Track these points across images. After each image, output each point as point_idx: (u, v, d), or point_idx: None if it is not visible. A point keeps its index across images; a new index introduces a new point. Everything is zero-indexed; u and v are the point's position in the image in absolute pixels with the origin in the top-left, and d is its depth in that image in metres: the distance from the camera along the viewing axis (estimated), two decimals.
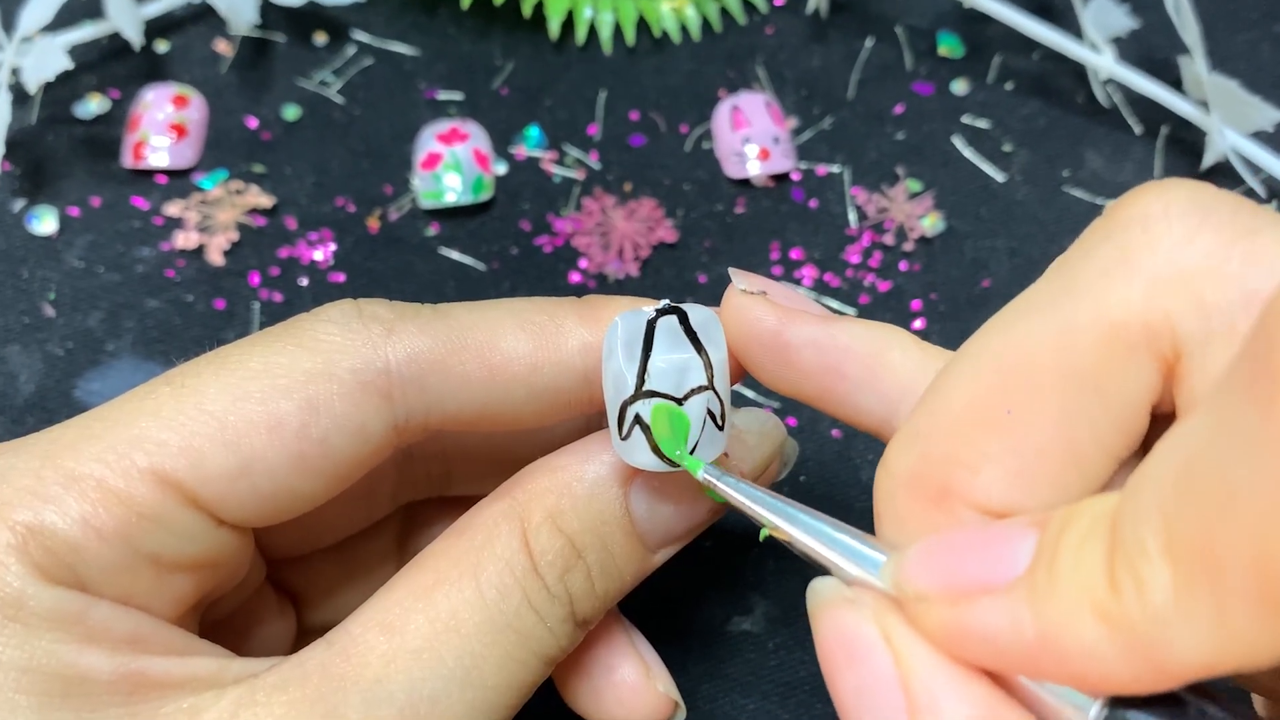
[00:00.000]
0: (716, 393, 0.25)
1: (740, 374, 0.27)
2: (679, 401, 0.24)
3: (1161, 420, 0.20)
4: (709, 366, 0.25)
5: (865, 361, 0.25)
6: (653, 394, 0.24)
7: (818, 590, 0.21)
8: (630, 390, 0.24)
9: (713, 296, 0.44)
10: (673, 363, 0.24)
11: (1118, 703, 0.18)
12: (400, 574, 0.25)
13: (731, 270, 0.27)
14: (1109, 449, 0.20)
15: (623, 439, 0.24)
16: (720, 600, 0.37)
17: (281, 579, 0.31)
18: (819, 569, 0.22)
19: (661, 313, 0.25)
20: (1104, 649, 0.17)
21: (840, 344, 0.25)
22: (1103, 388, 0.20)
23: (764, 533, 0.23)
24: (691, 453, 0.24)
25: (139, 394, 0.25)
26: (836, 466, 0.39)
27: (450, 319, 0.26)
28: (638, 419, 0.24)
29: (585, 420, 0.30)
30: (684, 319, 0.25)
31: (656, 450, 0.24)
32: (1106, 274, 0.20)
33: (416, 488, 0.32)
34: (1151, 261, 0.20)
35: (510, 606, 0.24)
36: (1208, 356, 0.19)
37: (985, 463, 0.20)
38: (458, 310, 0.26)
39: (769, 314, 0.26)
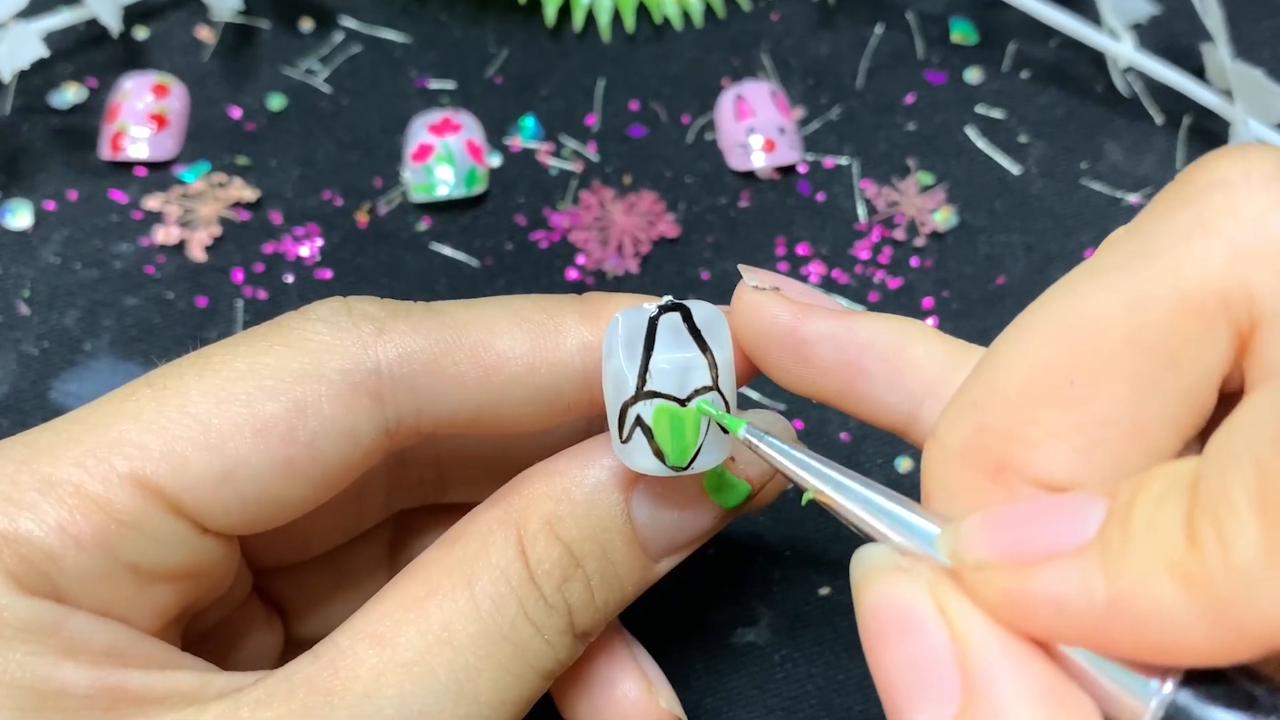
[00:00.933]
0: (721, 394, 0.25)
1: (748, 375, 0.27)
2: (682, 403, 0.24)
3: (1227, 399, 0.20)
4: (713, 366, 0.24)
5: (886, 356, 0.25)
6: (654, 395, 0.24)
7: (865, 557, 0.21)
8: (631, 391, 0.24)
9: (716, 293, 0.44)
10: (675, 362, 0.24)
11: (1187, 682, 0.18)
12: (391, 584, 0.25)
13: (741, 267, 0.27)
14: (1177, 424, 0.20)
15: (623, 442, 0.24)
16: (724, 611, 0.37)
17: (268, 590, 0.31)
18: (864, 538, 0.21)
19: (664, 310, 0.25)
20: (1181, 611, 0.16)
21: (860, 339, 0.25)
22: (1175, 359, 0.20)
23: (807, 496, 0.22)
24: (695, 457, 0.24)
25: (118, 396, 0.24)
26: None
27: (444, 317, 0.26)
28: (639, 421, 0.24)
29: (585, 424, 0.29)
30: (687, 316, 0.25)
31: (658, 454, 0.24)
32: (1184, 239, 0.20)
33: (409, 495, 0.32)
34: (1233, 229, 0.20)
35: (506, 618, 0.24)
36: None
37: (1046, 437, 0.20)
38: (451, 308, 0.26)
39: (783, 310, 0.25)
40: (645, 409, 0.24)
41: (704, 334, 0.25)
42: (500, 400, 0.26)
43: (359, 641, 0.23)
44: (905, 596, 0.20)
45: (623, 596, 0.27)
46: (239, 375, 0.24)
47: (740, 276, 0.26)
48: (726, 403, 0.25)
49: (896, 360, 0.25)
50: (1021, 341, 0.21)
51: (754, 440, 0.24)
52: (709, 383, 0.24)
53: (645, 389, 0.24)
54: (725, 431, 0.25)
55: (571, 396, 0.26)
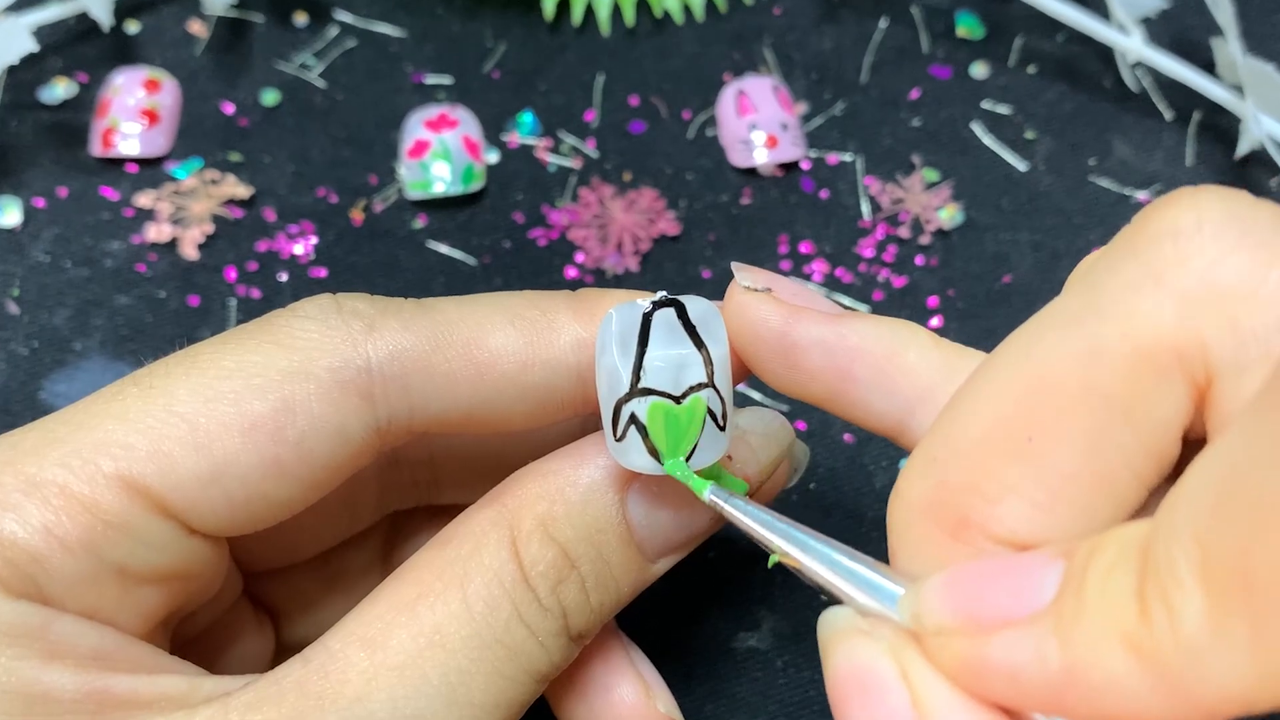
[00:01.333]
0: (717, 390, 0.24)
1: (744, 373, 0.27)
2: (677, 400, 0.24)
3: (1193, 446, 0.20)
4: (709, 363, 0.24)
5: (878, 362, 0.25)
6: (649, 392, 0.24)
7: (830, 621, 0.21)
8: (625, 388, 0.24)
9: (717, 292, 0.44)
10: (670, 359, 0.24)
11: None
12: (382, 586, 0.25)
13: (734, 265, 0.27)
14: (1139, 476, 0.20)
15: (617, 440, 0.24)
16: (725, 615, 0.37)
17: (259, 593, 0.31)
18: (830, 599, 0.22)
19: (658, 305, 0.24)
20: (1134, 682, 0.17)
21: (850, 344, 0.25)
22: (1131, 412, 0.20)
23: (773, 559, 0.23)
24: (691, 455, 0.24)
25: (105, 396, 0.24)
26: (849, 473, 0.39)
27: (435, 314, 0.26)
28: (633, 419, 0.24)
29: (580, 423, 0.29)
30: (682, 312, 0.25)
31: (653, 452, 0.24)
32: (1135, 291, 0.20)
33: (402, 496, 0.32)
34: (1183, 280, 0.20)
35: (499, 620, 0.24)
36: (1241, 382, 0.19)
37: (1006, 492, 0.20)
38: (443, 305, 0.26)
39: (774, 312, 0.25)
40: (639, 406, 0.24)
41: (699, 330, 0.24)
42: (493, 398, 0.26)
43: (350, 645, 0.23)
44: (868, 660, 0.20)
45: (618, 598, 0.27)
46: (227, 374, 0.24)
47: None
48: (722, 399, 0.25)
49: (888, 366, 0.25)
50: (979, 396, 0.21)
51: (719, 502, 0.24)
52: (704, 379, 0.24)
53: (639, 386, 0.24)
54: (721, 428, 0.25)
55: (566, 394, 0.26)
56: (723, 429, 0.25)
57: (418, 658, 0.23)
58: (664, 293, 0.25)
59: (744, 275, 0.26)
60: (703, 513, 0.27)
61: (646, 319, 0.24)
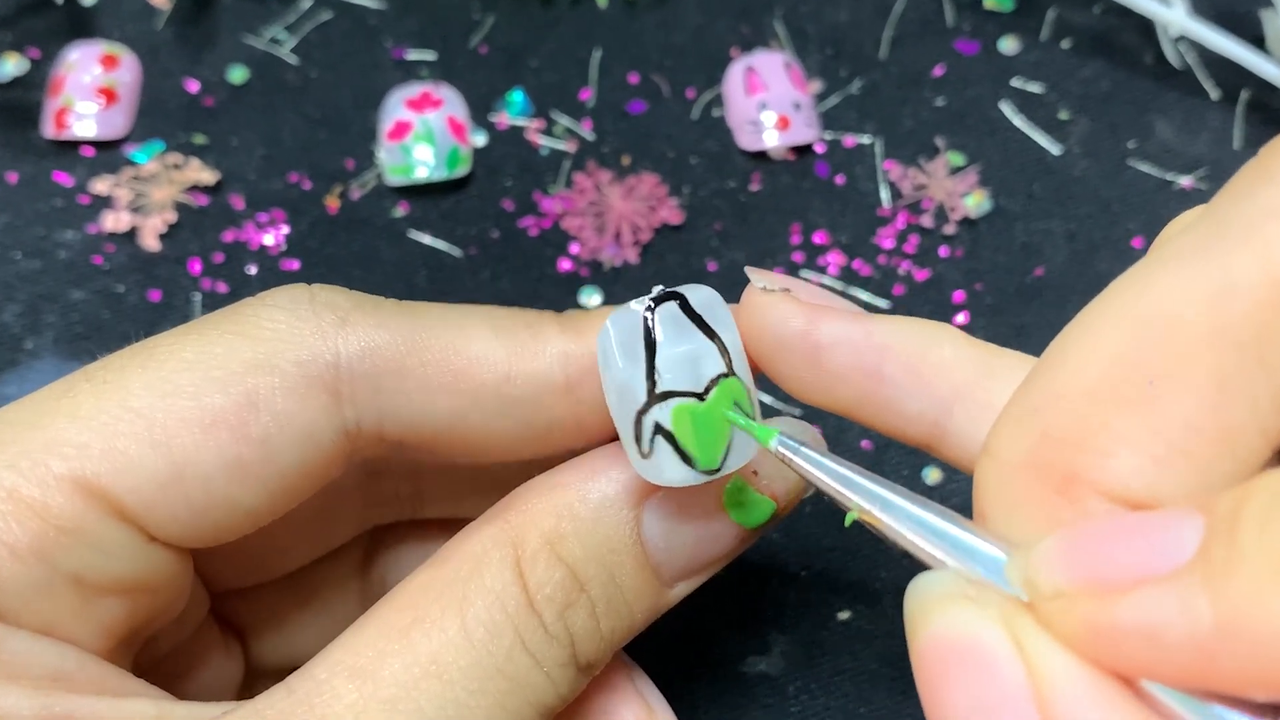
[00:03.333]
0: (739, 379, 0.24)
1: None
2: (700, 397, 0.24)
3: None
4: (724, 351, 0.24)
5: (908, 361, 0.25)
6: (669, 395, 0.24)
7: (926, 586, 0.20)
8: (642, 397, 0.24)
9: (724, 285, 0.44)
10: (683, 354, 0.24)
11: None
12: (373, 610, 0.25)
13: (749, 269, 0.27)
14: (1266, 430, 0.19)
15: (644, 456, 0.24)
16: (734, 638, 0.37)
17: (227, 613, 0.31)
18: (917, 565, 0.21)
19: (657, 301, 0.24)
20: None
21: (878, 342, 0.25)
22: (1265, 355, 0.19)
23: (850, 516, 0.22)
24: (726, 455, 0.24)
25: (54, 392, 0.24)
26: (829, 511, 0.39)
27: (413, 314, 0.26)
28: (657, 428, 0.24)
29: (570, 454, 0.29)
30: (684, 303, 0.24)
31: (687, 459, 0.24)
32: (1271, 220, 0.19)
33: (384, 509, 0.32)
34: None
35: (501, 648, 0.24)
36: None
37: (1121, 444, 0.19)
38: (423, 307, 0.26)
39: (795, 313, 0.25)
40: (662, 413, 0.24)
41: (706, 319, 0.24)
42: (471, 411, 0.26)
43: (337, 675, 0.23)
44: (975, 629, 0.19)
45: (631, 625, 0.26)
46: (185, 366, 0.24)
47: (748, 279, 0.26)
48: (747, 390, 0.25)
49: (920, 365, 0.24)
50: (1089, 338, 0.21)
51: (787, 453, 0.23)
52: (724, 369, 0.24)
53: (657, 391, 0.24)
54: (757, 439, 0.24)
55: (554, 416, 0.26)
56: (749, 420, 0.24)
57: (412, 690, 0.23)
58: (660, 286, 0.25)
59: (759, 278, 0.26)
60: (727, 532, 0.27)
61: (648, 319, 0.24)
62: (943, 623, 0.19)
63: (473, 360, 0.25)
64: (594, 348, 0.25)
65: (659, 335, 0.24)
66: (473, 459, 0.27)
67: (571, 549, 0.25)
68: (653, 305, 0.24)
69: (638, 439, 0.24)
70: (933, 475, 0.40)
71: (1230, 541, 0.17)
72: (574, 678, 0.25)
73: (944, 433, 0.24)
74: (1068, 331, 0.21)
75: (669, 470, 0.24)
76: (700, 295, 0.25)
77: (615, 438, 0.25)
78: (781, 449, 0.23)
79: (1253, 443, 0.20)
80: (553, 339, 0.26)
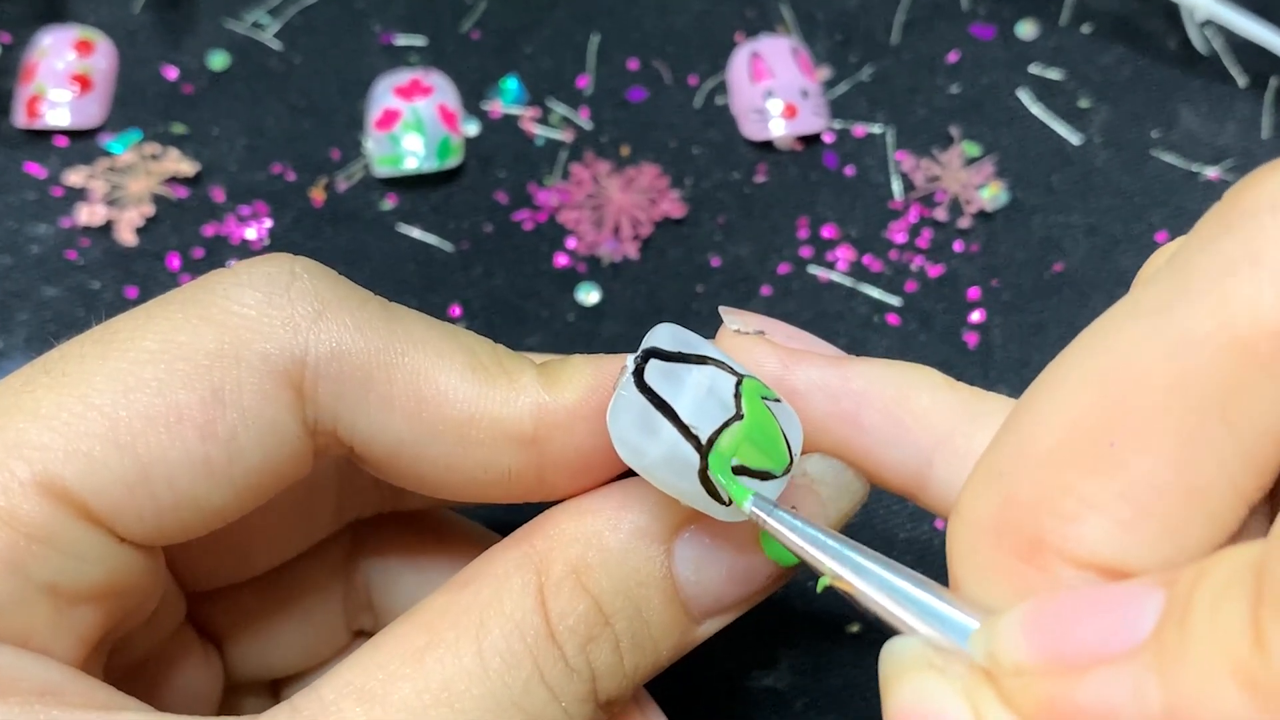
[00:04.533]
0: (751, 375, 0.25)
1: None
2: (739, 416, 0.24)
3: None
4: (720, 363, 0.25)
5: (887, 408, 0.25)
6: (716, 436, 0.24)
7: (897, 652, 0.21)
8: (696, 459, 0.24)
9: (727, 282, 0.44)
10: (698, 392, 0.24)
11: None
12: (387, 630, 0.25)
13: (722, 310, 0.27)
14: (1238, 489, 0.20)
15: (728, 504, 0.24)
16: (740, 652, 0.37)
17: (203, 617, 0.31)
18: (888, 631, 0.22)
19: (639, 366, 0.24)
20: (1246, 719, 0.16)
21: (855, 388, 0.25)
22: (1229, 412, 0.19)
23: (823, 582, 0.23)
24: (790, 449, 0.24)
25: (12, 388, 0.24)
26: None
27: (395, 324, 0.26)
28: (732, 470, 0.24)
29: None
30: (660, 354, 0.24)
31: (766, 475, 0.24)
32: (1230, 273, 0.20)
33: (364, 500, 0.32)
34: None
35: (518, 679, 0.24)
36: None
37: (1085, 508, 0.20)
38: (409, 317, 0.26)
39: (769, 356, 0.26)
40: (721, 457, 0.24)
41: (685, 351, 0.25)
42: (428, 443, 0.25)
43: (346, 697, 0.23)
44: (938, 700, 0.20)
45: (656, 661, 0.26)
46: (150, 357, 0.24)
47: (752, 275, 0.26)
48: (761, 381, 0.25)
49: (898, 411, 0.25)
50: (1052, 398, 0.21)
51: (762, 514, 0.24)
52: (735, 376, 0.24)
53: (704, 442, 0.24)
54: (728, 500, 0.24)
55: (514, 467, 0.26)
56: (779, 400, 0.25)
57: (421, 717, 0.23)
58: (630, 355, 0.25)
59: (733, 319, 0.27)
60: (762, 568, 0.27)
61: (645, 388, 0.24)
62: (909, 691, 0.20)
63: (441, 392, 0.25)
64: (569, 402, 0.25)
65: (664, 393, 0.24)
66: (422, 490, 0.27)
67: (598, 580, 0.25)
68: (637, 371, 0.24)
69: (715, 496, 0.24)
70: None
71: (1182, 623, 0.17)
72: (592, 715, 0.25)
73: (925, 481, 0.25)
74: (1033, 388, 0.22)
75: (758, 499, 0.24)
76: (664, 334, 0.25)
77: (580, 492, 0.26)
78: (756, 510, 0.24)
79: (1225, 500, 0.20)
80: (527, 388, 0.26)
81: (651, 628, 0.26)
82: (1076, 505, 0.20)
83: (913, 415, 0.25)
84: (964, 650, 0.20)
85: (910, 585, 0.21)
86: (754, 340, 0.26)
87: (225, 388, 0.24)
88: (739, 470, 0.24)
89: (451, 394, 0.25)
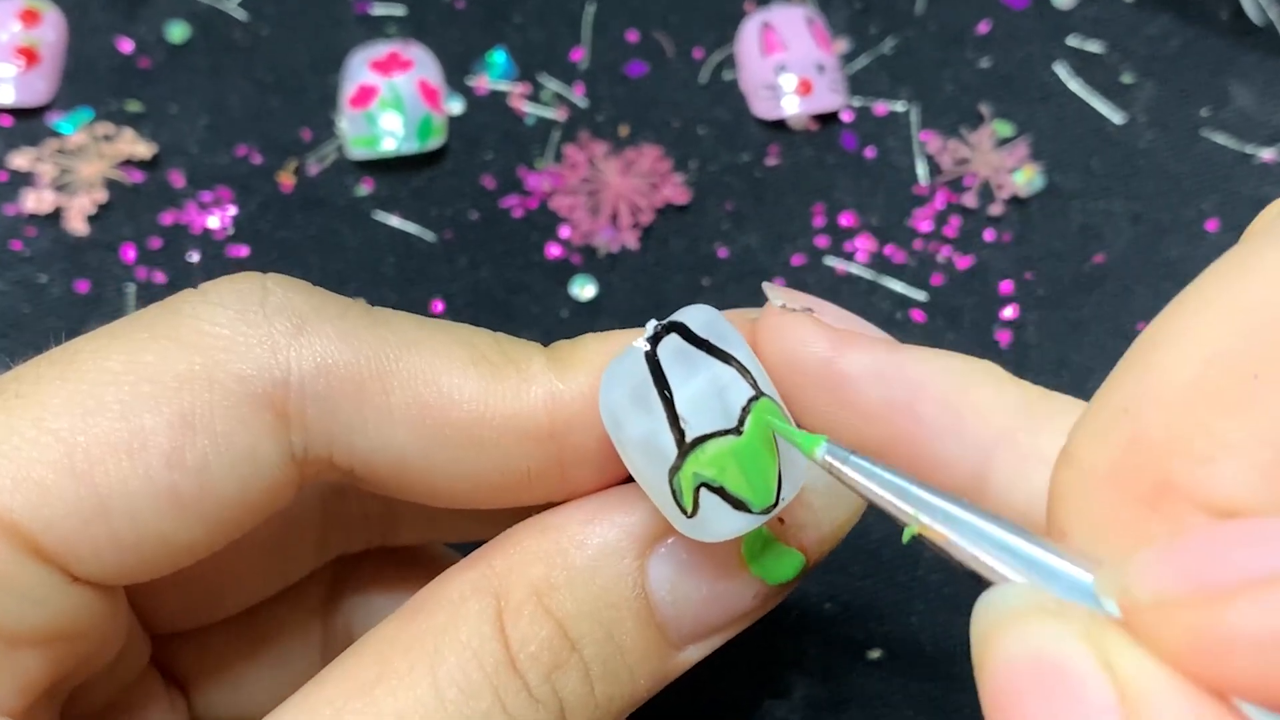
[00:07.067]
0: (770, 397, 0.24)
1: None
2: (738, 431, 0.24)
3: None
4: (745, 371, 0.24)
5: (946, 399, 0.25)
6: (701, 440, 0.24)
7: (1001, 600, 0.20)
8: (672, 453, 0.24)
9: (736, 275, 0.44)
10: (704, 390, 0.24)
11: None
12: (336, 663, 0.25)
13: (766, 286, 0.27)
14: None
15: (690, 516, 0.24)
16: (751, 681, 0.37)
17: (170, 661, 0.31)
18: (982, 587, 0.21)
19: (657, 337, 0.24)
20: None
21: (912, 376, 0.25)
22: None
23: (909, 532, 0.22)
24: (780, 486, 0.24)
25: None
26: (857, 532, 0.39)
27: (384, 328, 0.25)
28: (701, 483, 0.23)
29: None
30: (686, 332, 0.24)
31: (740, 505, 0.24)
32: None
33: (350, 535, 0.32)
34: None
35: (477, 711, 0.24)
36: None
37: (1223, 450, 0.20)
38: (397, 319, 0.26)
39: (818, 337, 0.25)
40: (701, 464, 0.23)
41: (714, 342, 0.24)
42: (437, 451, 0.25)
43: None
44: (1059, 648, 0.19)
45: (633, 691, 0.26)
46: (112, 378, 0.24)
47: (762, 268, 0.26)
48: (780, 407, 0.25)
49: (958, 404, 0.25)
50: (1186, 328, 0.21)
51: (835, 463, 0.23)
52: (752, 391, 0.24)
53: (688, 441, 0.23)
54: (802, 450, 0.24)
55: (534, 465, 0.26)
56: (792, 444, 0.24)
57: None
58: (654, 321, 0.25)
59: (778, 295, 0.26)
60: (746, 588, 0.26)
61: (652, 360, 0.24)
62: (1020, 640, 0.19)
63: (444, 393, 0.25)
64: (585, 388, 0.25)
65: (670, 374, 0.24)
66: (434, 503, 0.27)
67: (562, 602, 0.25)
68: (653, 341, 0.24)
69: (678, 501, 0.24)
70: None
71: None
72: None
73: (984, 483, 0.25)
74: (1158, 323, 0.21)
75: (722, 524, 0.24)
76: (700, 317, 0.25)
77: (605, 487, 0.26)
78: (830, 458, 0.23)
79: None
80: (538, 377, 0.26)
81: (625, 654, 0.26)
82: (1212, 445, 0.20)
83: (973, 409, 0.24)
84: (1077, 604, 0.20)
85: (1009, 534, 0.21)
86: (801, 318, 0.26)
87: (196, 412, 0.24)
88: (716, 489, 0.23)
89: (456, 394, 0.25)
